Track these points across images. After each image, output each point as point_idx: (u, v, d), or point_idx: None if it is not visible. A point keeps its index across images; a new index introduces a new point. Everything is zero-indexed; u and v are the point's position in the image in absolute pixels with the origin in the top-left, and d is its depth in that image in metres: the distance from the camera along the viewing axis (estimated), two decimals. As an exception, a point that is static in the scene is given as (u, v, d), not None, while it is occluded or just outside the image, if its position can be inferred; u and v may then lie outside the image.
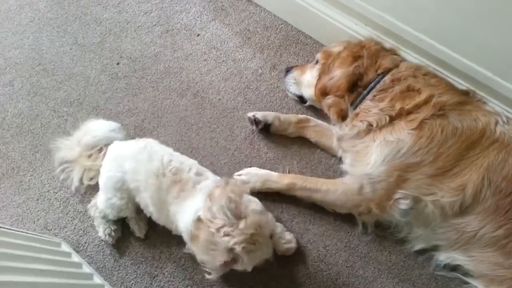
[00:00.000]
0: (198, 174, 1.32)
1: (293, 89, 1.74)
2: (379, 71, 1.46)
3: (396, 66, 1.47)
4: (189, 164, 1.35)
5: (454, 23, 1.41)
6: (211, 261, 1.15)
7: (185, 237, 1.30)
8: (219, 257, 1.13)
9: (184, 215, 1.26)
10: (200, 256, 1.19)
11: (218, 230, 1.11)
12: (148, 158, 1.34)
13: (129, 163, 1.36)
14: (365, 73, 1.47)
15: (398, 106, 1.38)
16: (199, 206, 1.20)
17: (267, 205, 1.50)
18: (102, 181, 1.43)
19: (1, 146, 1.71)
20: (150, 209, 1.37)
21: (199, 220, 1.16)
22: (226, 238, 1.10)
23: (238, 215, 1.12)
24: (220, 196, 1.15)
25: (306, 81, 1.67)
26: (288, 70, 1.76)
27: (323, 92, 1.55)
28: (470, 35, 1.40)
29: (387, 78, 1.44)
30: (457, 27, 1.41)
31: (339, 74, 1.50)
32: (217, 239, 1.11)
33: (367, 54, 1.48)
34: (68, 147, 1.54)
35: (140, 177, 1.34)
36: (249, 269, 1.21)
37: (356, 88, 1.48)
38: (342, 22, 1.74)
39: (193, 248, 1.21)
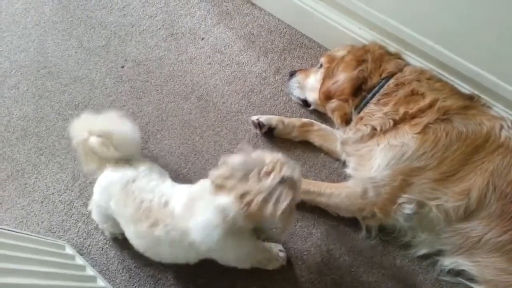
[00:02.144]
0: (165, 204, 1.22)
1: (297, 92, 1.74)
2: (383, 75, 1.46)
3: (400, 70, 1.47)
4: (158, 194, 1.23)
5: (458, 28, 1.41)
6: (283, 207, 1.04)
7: (212, 242, 1.15)
8: (286, 196, 1.04)
9: (199, 227, 1.14)
10: (268, 218, 1.05)
11: (259, 179, 1.03)
12: (124, 201, 1.24)
13: (112, 203, 1.27)
14: (369, 77, 1.47)
15: (402, 110, 1.38)
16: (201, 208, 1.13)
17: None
18: (94, 204, 1.38)
19: (6, 149, 1.72)
20: (149, 254, 1.30)
21: (240, 197, 1.05)
22: (271, 176, 1.03)
23: (258, 158, 1.07)
24: (233, 161, 1.08)
25: (310, 85, 1.67)
26: (292, 74, 1.77)
27: (327, 96, 1.55)
28: (474, 39, 1.40)
29: (391, 82, 1.44)
30: (461, 31, 1.41)
31: (343, 78, 1.50)
32: (267, 186, 1.03)
33: (371, 58, 1.49)
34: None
35: (122, 221, 1.28)
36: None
37: (360, 92, 1.48)
38: (346, 26, 1.74)
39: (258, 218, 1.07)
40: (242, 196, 1.03)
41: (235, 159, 1.08)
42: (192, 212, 1.16)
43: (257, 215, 1.04)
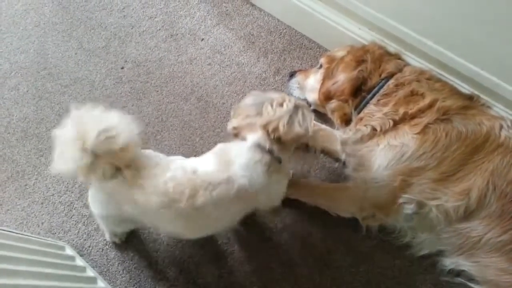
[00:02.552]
0: (193, 172, 1.13)
1: (296, 93, 1.74)
2: (383, 76, 1.46)
3: (400, 70, 1.47)
4: (179, 168, 1.13)
5: (458, 28, 1.41)
6: (312, 124, 1.14)
7: (258, 179, 1.14)
8: (310, 114, 1.13)
9: (243, 168, 1.12)
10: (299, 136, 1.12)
11: (273, 109, 1.10)
12: (139, 198, 1.09)
13: (128, 207, 1.13)
14: (369, 78, 1.47)
15: (402, 110, 1.38)
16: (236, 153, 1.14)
17: (271, 209, 1.50)
18: (99, 219, 1.32)
19: (6, 150, 1.72)
20: (195, 232, 1.24)
21: (265, 128, 1.09)
22: (284, 104, 1.11)
23: (266, 95, 1.14)
24: (244, 103, 1.16)
25: (309, 86, 1.67)
26: (291, 75, 1.77)
27: (327, 97, 1.55)
28: (474, 40, 1.40)
29: (391, 82, 1.44)
30: (461, 32, 1.41)
31: (343, 78, 1.50)
32: (285, 110, 1.10)
33: (371, 59, 1.48)
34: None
35: (151, 216, 1.15)
36: None
37: (360, 92, 1.48)
38: (346, 26, 1.74)
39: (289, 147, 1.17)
40: (266, 126, 1.10)
41: (245, 101, 1.16)
42: (228, 163, 1.14)
43: (290, 138, 1.11)
